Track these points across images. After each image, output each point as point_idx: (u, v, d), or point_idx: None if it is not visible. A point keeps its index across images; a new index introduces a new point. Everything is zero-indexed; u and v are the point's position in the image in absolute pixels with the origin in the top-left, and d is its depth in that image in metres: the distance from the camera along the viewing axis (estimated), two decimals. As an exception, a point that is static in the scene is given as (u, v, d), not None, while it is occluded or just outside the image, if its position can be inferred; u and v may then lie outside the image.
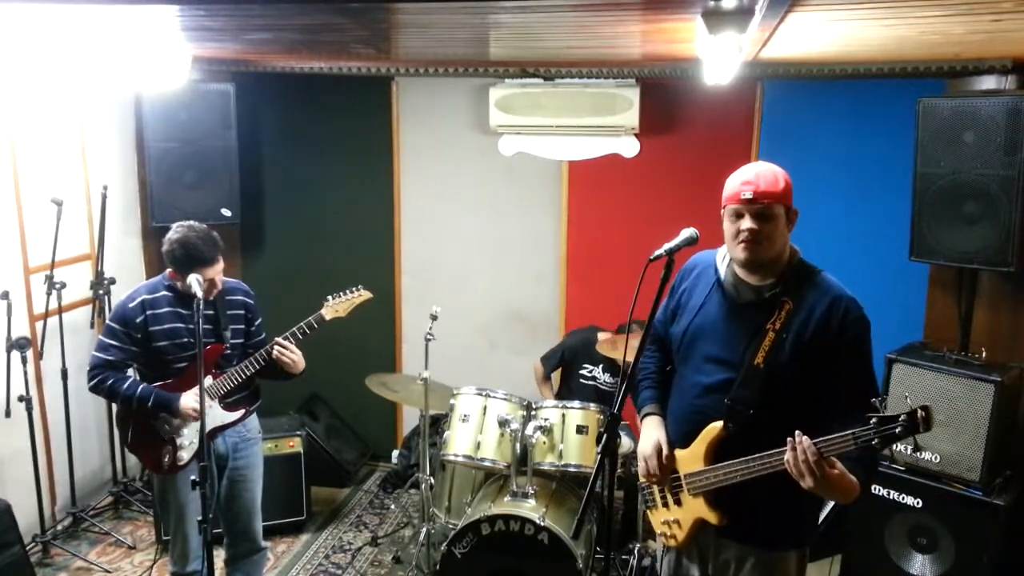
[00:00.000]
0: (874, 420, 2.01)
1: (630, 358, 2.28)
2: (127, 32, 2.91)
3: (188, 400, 3.00)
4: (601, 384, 4.29)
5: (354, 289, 3.30)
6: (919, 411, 1.97)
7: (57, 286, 4.06)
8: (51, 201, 3.99)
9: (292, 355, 3.07)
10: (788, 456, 2.06)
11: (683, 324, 2.36)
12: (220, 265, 2.98)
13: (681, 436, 2.36)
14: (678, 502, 2.38)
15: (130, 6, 2.26)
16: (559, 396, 4.39)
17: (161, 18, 2.57)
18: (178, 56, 3.63)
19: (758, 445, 2.17)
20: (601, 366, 4.30)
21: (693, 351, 2.33)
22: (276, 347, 3.06)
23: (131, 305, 2.99)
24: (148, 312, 2.99)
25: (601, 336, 4.29)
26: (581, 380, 4.34)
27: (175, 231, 2.94)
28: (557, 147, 4.69)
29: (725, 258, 2.32)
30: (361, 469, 5.16)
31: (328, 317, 3.21)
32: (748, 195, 2.15)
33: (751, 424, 2.20)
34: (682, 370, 2.39)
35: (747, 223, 2.16)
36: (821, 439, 2.05)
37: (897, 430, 1.98)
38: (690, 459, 2.32)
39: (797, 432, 2.05)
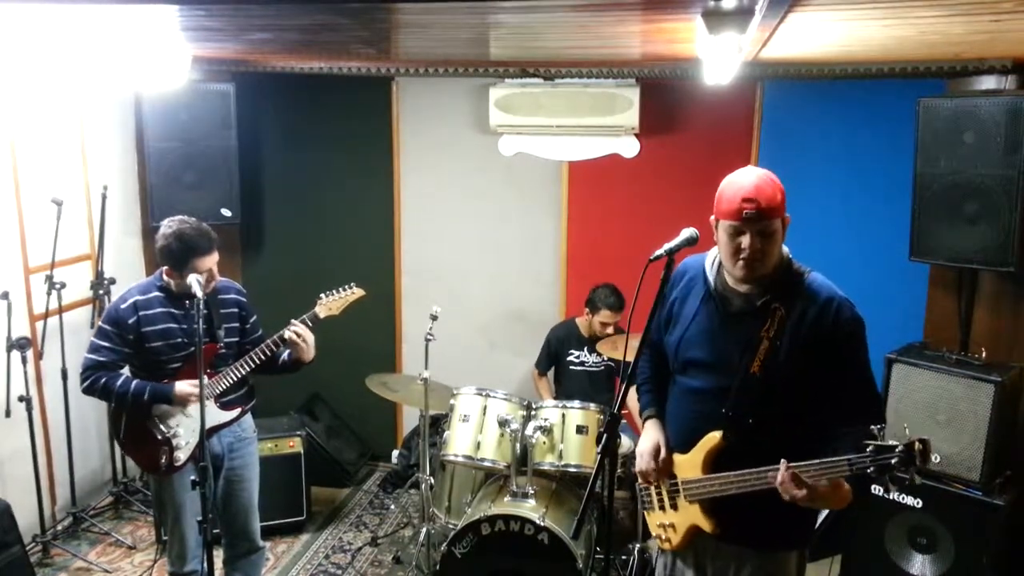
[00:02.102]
0: (871, 448, 1.99)
1: (630, 358, 2.28)
2: (127, 32, 2.91)
3: (184, 386, 3.00)
4: (590, 366, 4.40)
5: (347, 287, 3.30)
6: (917, 443, 1.96)
7: (57, 286, 4.06)
8: (51, 201, 3.99)
9: (308, 337, 3.07)
10: (779, 484, 2.08)
11: (677, 334, 2.35)
12: (216, 255, 2.98)
13: (680, 442, 2.36)
14: (675, 506, 2.38)
15: (130, 6, 2.26)
16: (557, 391, 4.48)
17: (161, 18, 2.57)
18: (178, 56, 3.62)
19: (757, 453, 2.17)
20: (586, 348, 4.40)
21: (688, 360, 2.33)
22: (291, 330, 3.05)
23: (123, 306, 2.98)
24: (141, 313, 2.98)
25: (579, 320, 4.46)
26: (571, 367, 4.43)
27: (167, 226, 2.94)
28: (557, 147, 4.69)
29: (714, 265, 2.30)
30: (361, 469, 5.16)
31: (322, 315, 3.21)
32: (751, 213, 2.10)
33: (750, 433, 2.20)
34: (679, 378, 2.39)
35: (750, 242, 2.12)
36: (815, 463, 2.06)
37: (893, 460, 1.97)
38: (689, 466, 2.32)
39: (783, 463, 2.07)
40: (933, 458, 3.31)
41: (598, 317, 4.25)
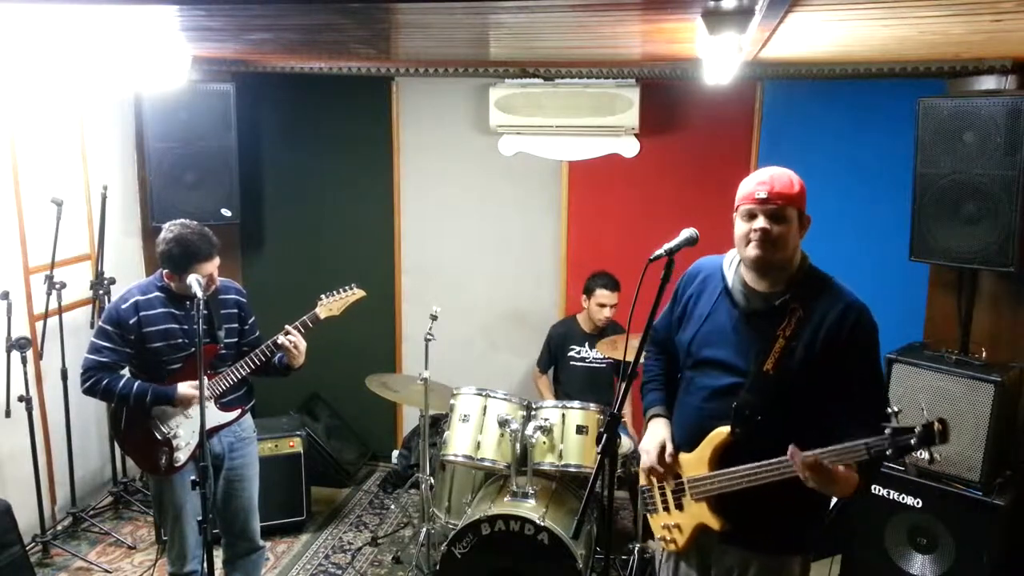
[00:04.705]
0: (888, 430, 1.99)
1: (630, 357, 2.28)
2: (127, 32, 2.91)
3: (185, 388, 3.00)
4: (592, 362, 4.39)
5: (348, 288, 3.30)
6: (936, 423, 1.96)
7: (57, 286, 4.05)
8: (51, 201, 3.98)
9: (301, 344, 3.07)
10: (791, 456, 2.06)
11: (690, 332, 2.35)
12: (217, 260, 2.98)
13: (687, 440, 2.35)
14: (679, 506, 2.37)
15: (130, 6, 2.26)
16: (557, 390, 4.47)
17: (161, 18, 2.57)
18: (178, 56, 3.63)
19: (764, 451, 2.16)
20: (587, 344, 4.39)
21: (701, 358, 2.32)
22: (286, 335, 3.05)
23: (124, 307, 2.98)
24: (141, 313, 2.97)
25: (579, 316, 4.45)
26: (572, 363, 4.42)
27: (168, 231, 2.93)
28: (557, 147, 4.69)
29: (732, 264, 2.31)
30: (361, 469, 5.16)
31: (322, 316, 3.21)
32: (763, 195, 2.16)
33: (758, 430, 2.20)
34: (690, 375, 2.38)
35: (760, 223, 2.16)
36: (832, 448, 2.04)
37: (912, 441, 1.97)
38: (695, 463, 2.31)
39: (792, 448, 2.05)
40: (936, 455, 3.32)
41: (595, 299, 4.24)
